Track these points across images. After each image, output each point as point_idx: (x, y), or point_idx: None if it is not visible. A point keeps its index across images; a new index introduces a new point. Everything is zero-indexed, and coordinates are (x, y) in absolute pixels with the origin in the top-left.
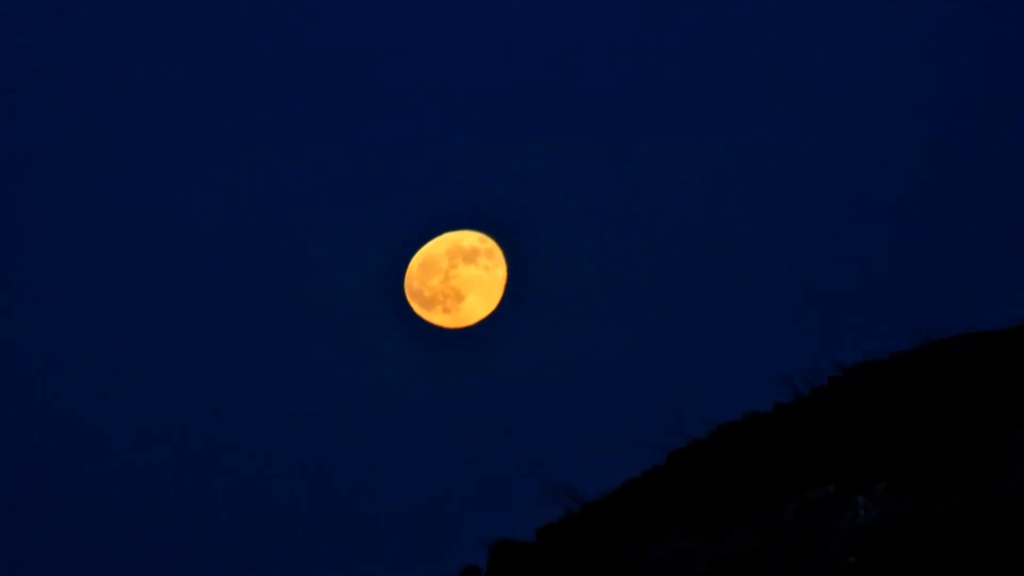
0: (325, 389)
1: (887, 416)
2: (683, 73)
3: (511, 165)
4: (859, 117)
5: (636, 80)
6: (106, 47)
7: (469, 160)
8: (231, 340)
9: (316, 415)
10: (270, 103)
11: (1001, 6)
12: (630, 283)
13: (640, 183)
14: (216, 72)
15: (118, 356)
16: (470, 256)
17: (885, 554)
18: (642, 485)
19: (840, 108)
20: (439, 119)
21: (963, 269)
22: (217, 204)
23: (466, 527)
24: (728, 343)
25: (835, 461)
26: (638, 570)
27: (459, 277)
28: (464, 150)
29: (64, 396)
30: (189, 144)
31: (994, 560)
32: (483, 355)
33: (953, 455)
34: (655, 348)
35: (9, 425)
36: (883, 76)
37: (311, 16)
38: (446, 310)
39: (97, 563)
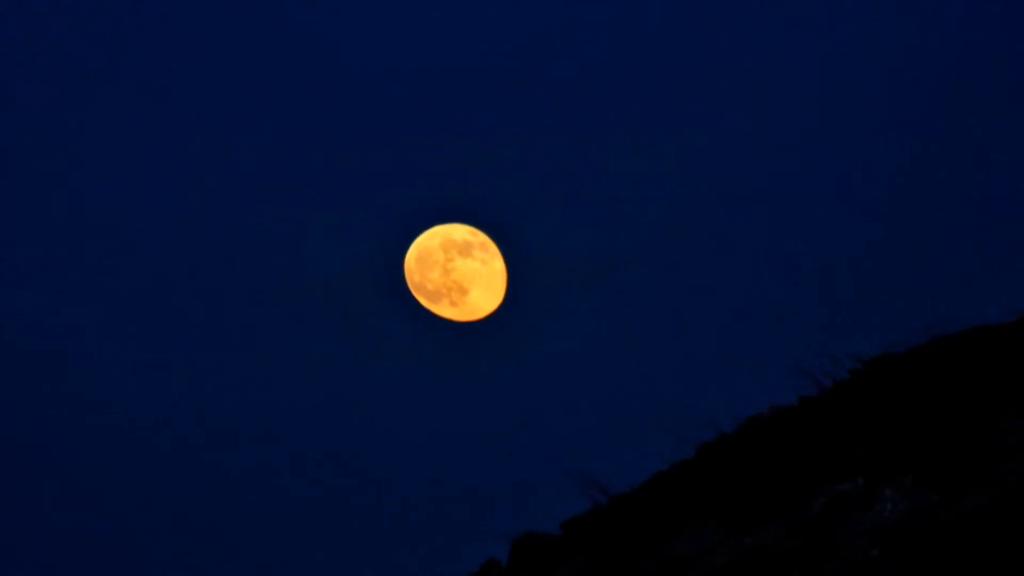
0: (340, 384)
1: (915, 409)
2: (665, 65)
3: (493, 159)
4: (870, 107)
5: (620, 71)
6: (100, 41)
7: (451, 154)
8: (236, 339)
9: (334, 410)
10: (254, 99)
11: None
12: (634, 275)
13: (634, 175)
14: (210, 70)
15: (126, 353)
16: (464, 249)
17: (909, 547)
18: (670, 478)
19: (852, 98)
20: (418, 113)
21: (967, 262)
22: (200, 198)
23: (492, 522)
24: (736, 334)
25: (863, 454)
26: (661, 563)
27: (458, 270)
28: (446, 145)
29: (64, 394)
30: (179, 143)
31: (1019, 552)
32: (500, 348)
33: (981, 447)
34: (664, 341)
35: (10, 425)
36: (891, 63)
37: (300, 11)
38: (453, 303)
39: (99, 561)
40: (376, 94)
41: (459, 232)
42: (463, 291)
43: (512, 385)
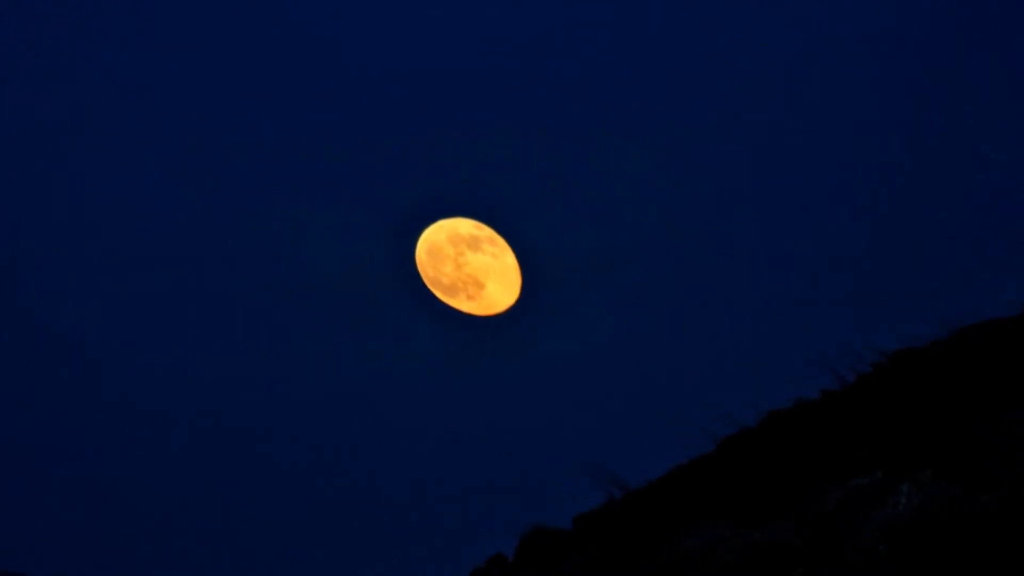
0: (347, 382)
1: (936, 403)
2: (666, 65)
3: (493, 159)
4: (871, 107)
5: (620, 71)
6: (101, 41)
7: (451, 154)
8: (240, 341)
9: (346, 407)
10: (254, 99)
11: None
12: (649, 270)
13: (634, 174)
14: (210, 70)
15: (128, 353)
16: (472, 243)
17: (916, 542)
18: (688, 473)
19: (853, 97)
20: (418, 113)
21: (968, 260)
22: (201, 198)
23: (504, 516)
24: (757, 329)
25: (883, 448)
26: (670, 559)
27: (470, 264)
28: (445, 144)
29: (65, 395)
30: (179, 143)
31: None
32: (519, 342)
33: (999, 442)
34: (684, 336)
35: (11, 424)
36: (893, 58)
37: (300, 11)
38: (470, 297)
39: (99, 561)
40: (376, 94)
41: (464, 226)
42: (479, 285)
43: (530, 379)
